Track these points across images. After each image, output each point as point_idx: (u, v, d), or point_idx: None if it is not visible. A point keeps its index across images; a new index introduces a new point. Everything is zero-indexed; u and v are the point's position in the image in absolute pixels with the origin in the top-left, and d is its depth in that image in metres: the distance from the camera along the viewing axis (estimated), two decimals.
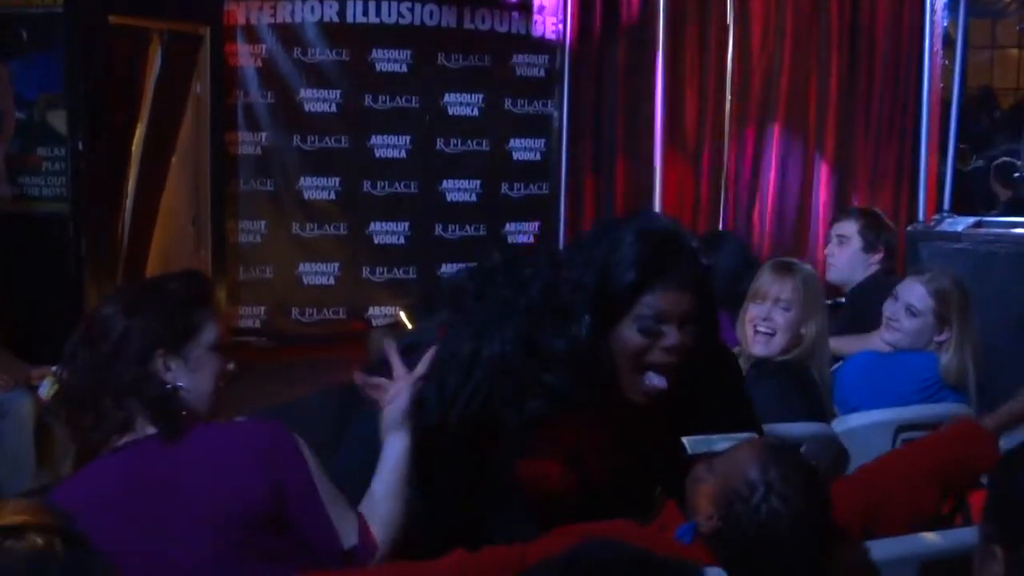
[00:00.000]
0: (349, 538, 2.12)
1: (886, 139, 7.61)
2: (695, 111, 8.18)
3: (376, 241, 7.95)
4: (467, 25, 7.93)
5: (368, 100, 7.81)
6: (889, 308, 3.71)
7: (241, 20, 7.58)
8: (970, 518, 2.71)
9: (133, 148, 6.99)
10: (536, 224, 8.33)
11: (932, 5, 7.34)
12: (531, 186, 8.29)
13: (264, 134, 7.68)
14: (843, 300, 4.85)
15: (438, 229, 8.07)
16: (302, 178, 7.76)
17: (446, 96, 7.96)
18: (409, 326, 6.08)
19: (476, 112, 8.05)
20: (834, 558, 2.06)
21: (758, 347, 3.40)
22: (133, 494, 2.06)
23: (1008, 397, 2.64)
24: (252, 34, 7.61)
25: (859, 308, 4.53)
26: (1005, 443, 2.51)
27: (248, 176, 7.69)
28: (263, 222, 7.75)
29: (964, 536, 2.26)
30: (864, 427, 3.14)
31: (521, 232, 8.29)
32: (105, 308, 2.16)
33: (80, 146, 6.23)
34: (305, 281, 7.85)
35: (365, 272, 7.94)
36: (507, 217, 8.24)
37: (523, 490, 2.29)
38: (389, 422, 2.21)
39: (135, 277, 6.86)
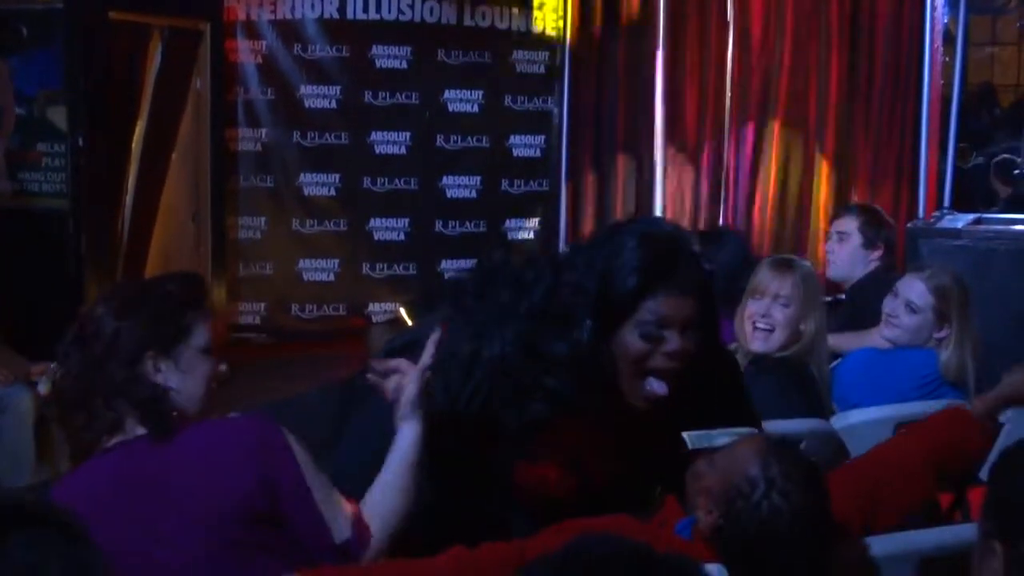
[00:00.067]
0: (342, 532, 2.11)
1: (886, 136, 7.61)
2: (695, 108, 8.17)
3: (376, 237, 7.94)
4: (467, 21, 7.93)
5: (368, 96, 7.80)
6: (889, 305, 3.71)
7: (241, 16, 7.58)
8: (969, 514, 2.72)
9: (133, 144, 6.99)
10: (536, 220, 8.33)
11: (932, 2, 7.35)
12: (531, 182, 8.28)
13: (264, 130, 7.67)
14: (843, 297, 4.86)
15: (438, 225, 8.06)
16: (302, 174, 7.76)
17: (446, 92, 7.95)
18: (409, 322, 6.09)
19: (476, 108, 8.05)
20: (834, 554, 2.06)
21: (757, 343, 3.40)
22: (124, 495, 2.06)
23: None
24: (252, 30, 7.60)
25: (859, 305, 4.53)
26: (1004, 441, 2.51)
27: (248, 172, 7.69)
28: (263, 218, 7.74)
29: (963, 532, 2.26)
30: (863, 424, 3.14)
31: (521, 228, 8.29)
32: (97, 309, 2.16)
33: (80, 142, 6.23)
34: (305, 277, 7.85)
35: (365, 268, 7.94)
36: (507, 213, 8.24)
37: (522, 492, 2.28)
38: (401, 411, 2.21)
39: (135, 273, 6.86)
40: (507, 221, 8.24)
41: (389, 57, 7.79)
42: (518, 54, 8.12)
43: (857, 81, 7.67)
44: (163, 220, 7.31)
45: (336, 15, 7.67)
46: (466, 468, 2.25)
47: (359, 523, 2.13)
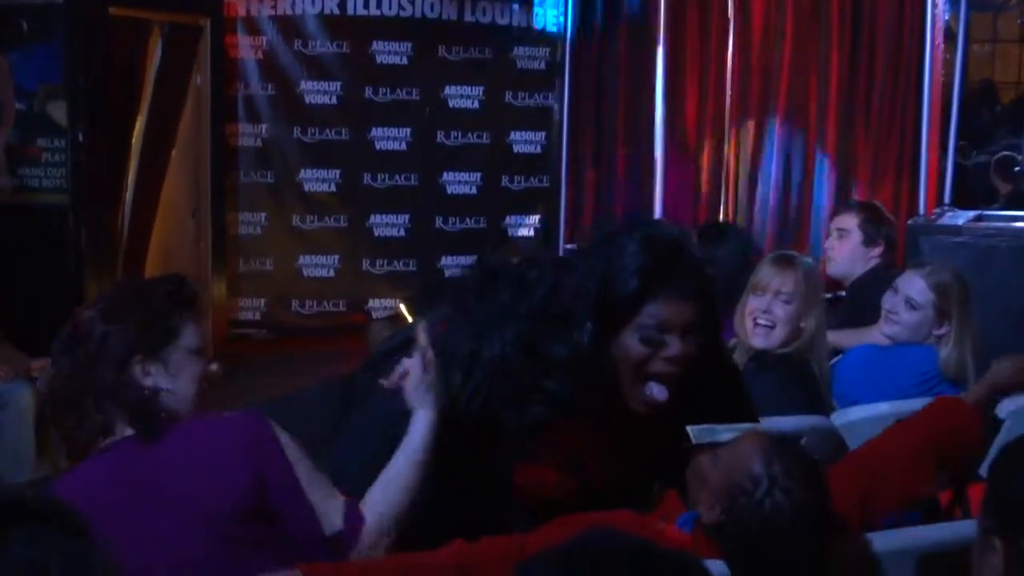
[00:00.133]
0: (333, 524, 2.11)
1: (887, 132, 7.61)
2: (696, 104, 8.17)
3: (376, 233, 7.95)
4: (468, 18, 7.92)
5: (368, 92, 7.80)
6: (889, 301, 3.71)
7: (242, 12, 7.58)
8: (969, 511, 2.72)
9: (133, 140, 6.99)
10: (536, 217, 8.33)
11: None
12: (531, 179, 8.28)
13: (264, 126, 7.68)
14: (843, 294, 4.85)
15: (438, 222, 8.06)
16: (302, 170, 7.76)
17: (446, 88, 7.95)
18: (409, 318, 6.08)
19: (477, 105, 8.05)
20: (834, 551, 2.07)
21: (758, 339, 3.40)
22: (119, 495, 2.06)
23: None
24: (253, 26, 7.60)
25: (859, 302, 4.52)
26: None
27: (248, 168, 7.69)
28: (263, 214, 7.75)
29: (963, 528, 2.26)
30: (864, 420, 3.13)
31: (521, 225, 8.29)
32: (87, 312, 2.17)
33: (80, 137, 6.23)
34: (305, 273, 7.85)
35: (365, 264, 7.94)
36: (507, 210, 8.24)
37: (522, 492, 2.28)
38: (410, 397, 2.20)
39: (135, 269, 6.87)
40: (507, 217, 8.24)
41: (389, 53, 7.79)
42: (519, 50, 8.12)
43: (858, 78, 7.67)
44: (163, 216, 7.31)
45: (336, 11, 7.67)
46: (466, 468, 2.25)
47: (351, 514, 2.12)
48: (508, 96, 8.13)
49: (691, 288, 2.18)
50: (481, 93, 8.03)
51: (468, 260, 7.85)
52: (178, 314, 2.18)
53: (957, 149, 7.28)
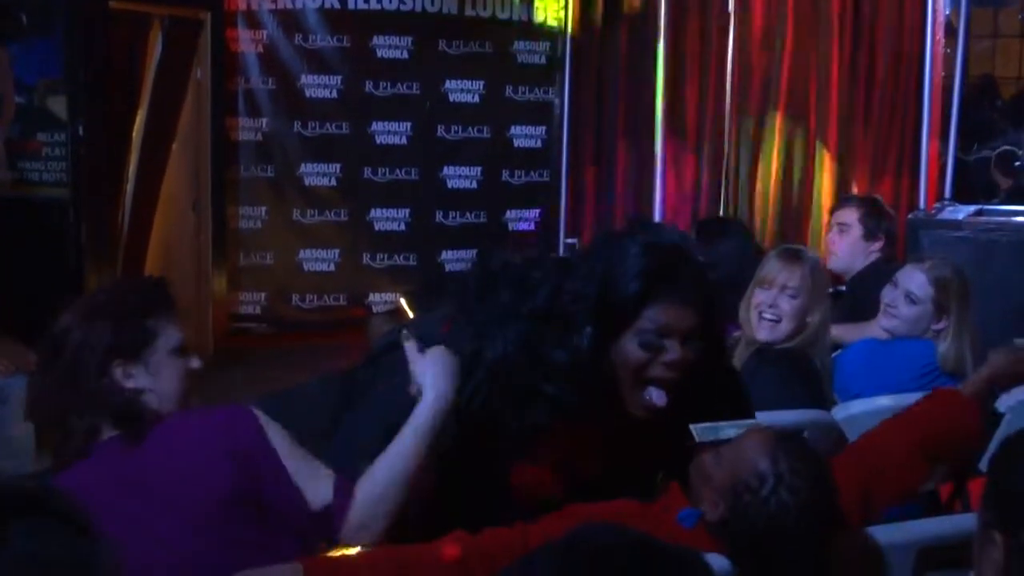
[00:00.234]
0: (322, 496, 2.11)
1: (887, 127, 7.60)
2: (696, 98, 8.16)
3: (376, 227, 7.94)
4: (468, 12, 7.91)
5: (369, 86, 7.79)
6: (888, 294, 3.71)
7: (242, 6, 7.56)
8: (969, 505, 2.72)
9: (133, 133, 6.99)
10: (537, 211, 8.33)
11: None
12: (532, 173, 8.28)
13: (265, 120, 7.67)
14: (843, 288, 4.85)
15: (439, 216, 8.06)
16: (303, 164, 7.75)
17: (447, 83, 7.94)
18: (409, 313, 6.09)
19: (477, 99, 8.04)
20: (835, 546, 2.06)
21: (763, 333, 3.40)
22: (109, 497, 2.06)
23: None
24: (253, 20, 7.59)
25: (859, 296, 4.53)
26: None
27: (249, 162, 7.68)
28: (263, 208, 7.74)
29: (963, 522, 2.27)
30: (865, 414, 3.14)
31: (522, 219, 8.29)
32: (62, 321, 2.17)
33: (80, 131, 6.22)
34: (305, 267, 7.85)
35: (365, 258, 7.94)
36: (508, 204, 8.23)
37: (520, 492, 2.28)
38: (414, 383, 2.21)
39: (135, 262, 6.87)
40: (507, 212, 8.23)
41: (390, 47, 7.78)
42: (519, 44, 8.11)
43: (858, 72, 7.66)
44: (163, 210, 7.31)
45: (337, 5, 7.66)
46: (465, 467, 2.24)
47: (341, 488, 2.12)
48: (509, 90, 8.12)
49: (692, 293, 2.17)
50: (482, 87, 8.03)
51: (468, 254, 7.86)
52: (154, 315, 2.19)
53: (957, 144, 7.27)
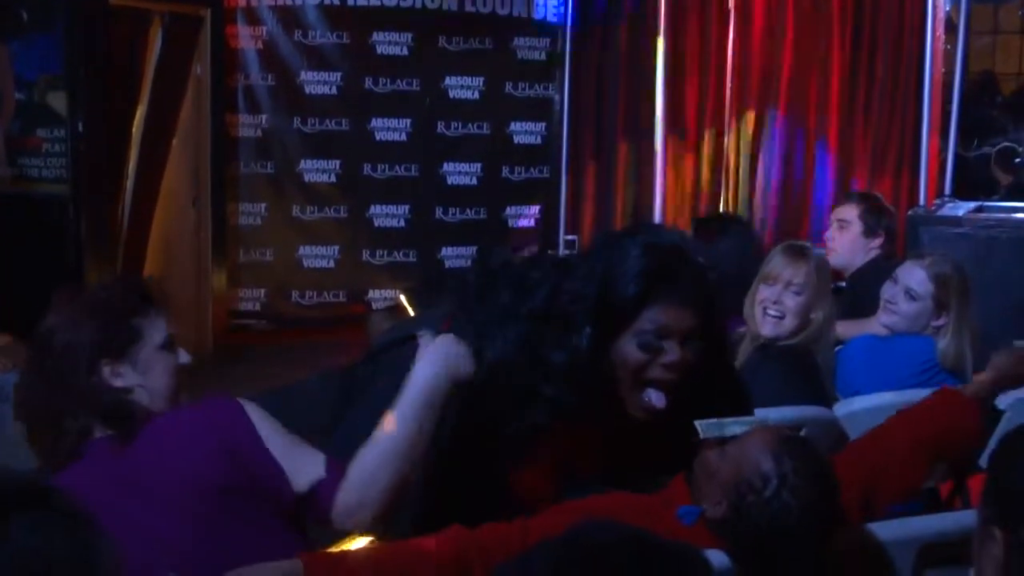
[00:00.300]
0: (311, 476, 2.10)
1: (887, 124, 7.60)
2: (696, 95, 8.16)
3: (376, 224, 7.94)
4: (468, 8, 7.91)
5: (369, 83, 7.79)
6: (888, 291, 3.71)
7: (242, 2, 7.56)
8: (969, 501, 2.72)
9: (133, 130, 6.98)
10: (537, 208, 8.32)
11: None
12: (532, 170, 8.28)
13: (264, 116, 7.66)
14: (843, 284, 4.85)
15: (438, 212, 8.06)
16: (302, 161, 7.75)
17: (447, 79, 7.94)
18: (409, 309, 6.08)
19: (477, 95, 8.04)
20: (836, 543, 2.06)
21: (767, 328, 3.40)
22: (105, 497, 2.05)
23: None
24: (253, 16, 7.58)
25: (859, 293, 4.53)
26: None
27: (248, 158, 7.68)
28: (263, 204, 7.74)
29: (963, 519, 2.27)
30: (866, 411, 3.14)
31: (522, 216, 8.29)
32: (48, 322, 2.18)
33: (80, 128, 6.22)
34: (305, 264, 7.85)
35: (365, 255, 7.94)
36: (508, 201, 8.23)
37: (518, 492, 2.28)
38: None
39: (135, 259, 6.87)
40: (507, 208, 8.23)
41: (390, 43, 7.78)
42: (519, 41, 8.11)
43: (859, 68, 7.66)
44: (163, 206, 7.31)
45: (337, 1, 7.66)
46: (465, 467, 2.24)
47: (332, 467, 2.11)
48: (508, 87, 8.11)
49: (691, 294, 2.16)
50: (481, 84, 8.02)
51: (468, 251, 7.87)
52: (140, 313, 2.19)
53: (958, 140, 7.27)
